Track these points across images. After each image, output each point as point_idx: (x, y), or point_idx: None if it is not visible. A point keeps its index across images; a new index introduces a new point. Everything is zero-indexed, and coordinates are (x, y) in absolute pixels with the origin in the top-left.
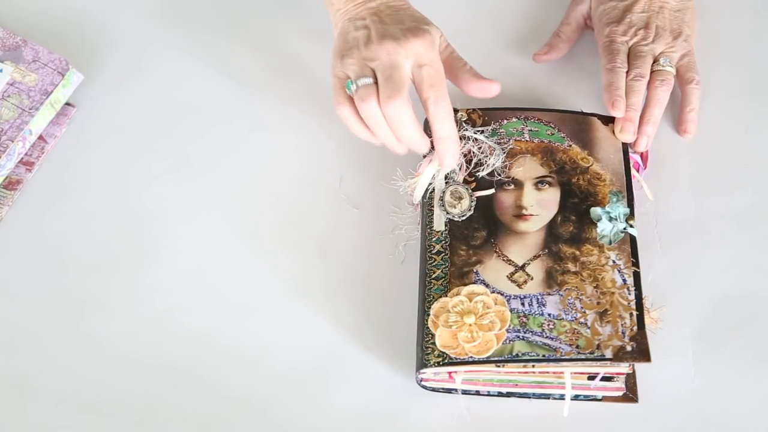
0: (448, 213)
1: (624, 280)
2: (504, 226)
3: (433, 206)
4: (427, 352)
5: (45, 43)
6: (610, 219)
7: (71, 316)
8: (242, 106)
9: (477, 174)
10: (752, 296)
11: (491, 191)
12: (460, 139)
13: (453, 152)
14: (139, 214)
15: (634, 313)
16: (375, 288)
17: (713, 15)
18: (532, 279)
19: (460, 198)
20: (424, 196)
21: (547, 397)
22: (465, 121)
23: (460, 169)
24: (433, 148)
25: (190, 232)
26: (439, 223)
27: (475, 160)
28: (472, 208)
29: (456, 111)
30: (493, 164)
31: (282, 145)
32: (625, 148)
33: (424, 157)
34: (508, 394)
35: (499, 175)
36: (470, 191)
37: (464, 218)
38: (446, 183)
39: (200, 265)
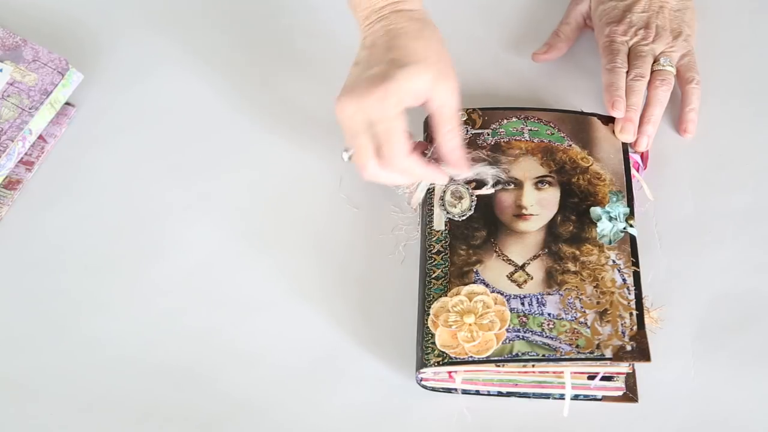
0: (448, 213)
1: (624, 280)
2: (504, 226)
3: (433, 206)
4: (427, 352)
5: (45, 42)
6: (610, 219)
7: (71, 316)
8: (242, 106)
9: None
10: (752, 296)
11: (492, 191)
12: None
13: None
14: (139, 213)
15: (634, 312)
16: (375, 288)
17: (713, 15)
18: (531, 279)
19: (461, 198)
20: (424, 196)
21: (547, 396)
22: (465, 121)
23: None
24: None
25: (190, 232)
26: (439, 222)
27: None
28: (473, 208)
29: None
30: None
31: (282, 144)
32: (625, 147)
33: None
34: (508, 394)
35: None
36: (471, 191)
37: (464, 218)
38: (443, 193)
39: (201, 265)
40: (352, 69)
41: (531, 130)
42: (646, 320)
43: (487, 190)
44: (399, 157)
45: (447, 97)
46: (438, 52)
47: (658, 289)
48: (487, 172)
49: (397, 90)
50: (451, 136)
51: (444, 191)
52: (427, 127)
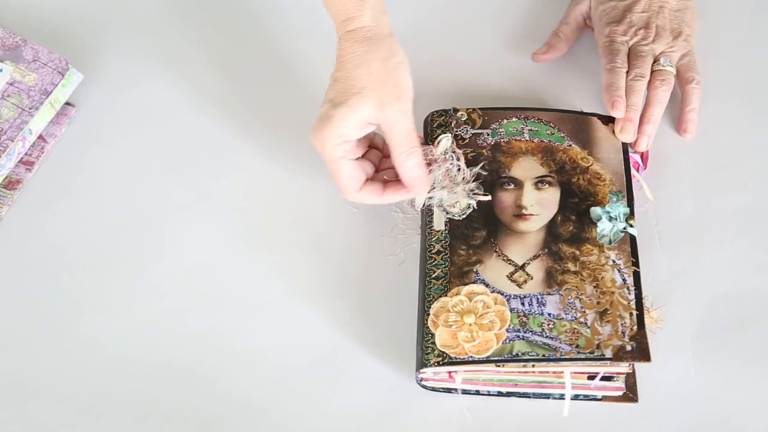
0: (447, 213)
1: (624, 280)
2: (504, 226)
3: (432, 206)
4: (427, 352)
5: (45, 42)
6: (610, 219)
7: (70, 316)
8: (242, 106)
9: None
10: (752, 296)
11: (488, 197)
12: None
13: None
14: (139, 213)
15: (634, 312)
16: (375, 288)
17: (713, 15)
18: (531, 279)
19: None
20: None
21: (547, 396)
22: (465, 121)
23: (458, 170)
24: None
25: (190, 232)
26: (439, 222)
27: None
28: (472, 206)
29: (456, 110)
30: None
31: (282, 144)
32: (625, 147)
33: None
34: (508, 394)
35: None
36: (468, 190)
37: (464, 216)
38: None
39: (201, 265)
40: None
41: (531, 130)
42: (646, 320)
43: (482, 197)
44: (350, 194)
45: (394, 121)
46: (379, 77)
47: (658, 289)
48: (457, 191)
49: (334, 131)
50: (404, 158)
51: (441, 191)
52: (425, 126)
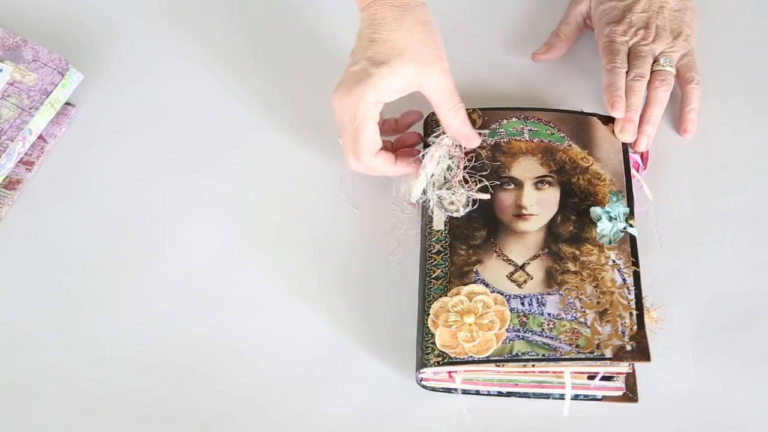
0: (447, 210)
1: (624, 280)
2: (504, 226)
3: (432, 206)
4: (427, 352)
5: (45, 42)
6: (610, 219)
7: (70, 316)
8: (242, 106)
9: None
10: (752, 296)
11: (486, 196)
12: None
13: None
14: (139, 213)
15: (634, 312)
16: (375, 287)
17: (713, 15)
18: (531, 278)
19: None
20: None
21: (547, 396)
22: None
23: (457, 167)
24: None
25: (190, 232)
26: (438, 222)
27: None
28: (470, 203)
29: None
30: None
31: (282, 144)
32: (625, 147)
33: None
34: (508, 394)
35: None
36: (467, 187)
37: (465, 213)
38: (444, 183)
39: (201, 265)
40: (349, 58)
41: (531, 130)
42: (646, 320)
43: (482, 195)
44: (365, 155)
45: (436, 81)
46: (420, 38)
47: (658, 289)
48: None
49: (375, 88)
50: (452, 116)
51: (440, 189)
52: (425, 126)
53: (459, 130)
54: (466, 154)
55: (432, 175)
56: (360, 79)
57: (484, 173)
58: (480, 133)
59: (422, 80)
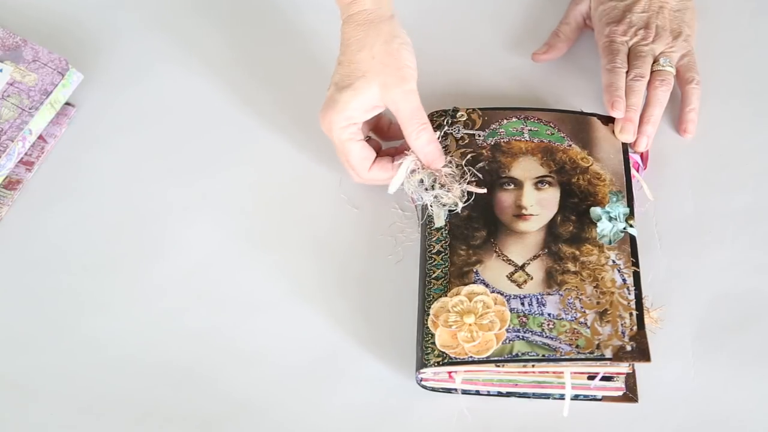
0: (444, 204)
1: (624, 280)
2: (504, 226)
3: (430, 206)
4: (426, 352)
5: (45, 43)
6: (610, 219)
7: (71, 316)
8: (242, 106)
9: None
10: (752, 296)
11: (483, 190)
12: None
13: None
14: (139, 213)
15: (634, 312)
16: (375, 288)
17: (713, 15)
18: (531, 279)
19: (449, 189)
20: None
21: (547, 397)
22: (465, 122)
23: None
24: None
25: (190, 232)
26: (439, 220)
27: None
28: (464, 195)
29: (456, 110)
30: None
31: (282, 144)
32: (625, 148)
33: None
34: (508, 394)
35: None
36: (458, 179)
37: (462, 206)
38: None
39: (201, 265)
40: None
41: (531, 130)
42: (646, 320)
43: (477, 189)
44: (360, 172)
45: (400, 101)
46: (382, 58)
47: (658, 289)
48: (451, 193)
49: (341, 113)
50: (415, 136)
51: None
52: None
53: (422, 150)
54: (463, 154)
55: (412, 172)
56: (328, 106)
57: (484, 173)
58: (449, 158)
59: (385, 101)
